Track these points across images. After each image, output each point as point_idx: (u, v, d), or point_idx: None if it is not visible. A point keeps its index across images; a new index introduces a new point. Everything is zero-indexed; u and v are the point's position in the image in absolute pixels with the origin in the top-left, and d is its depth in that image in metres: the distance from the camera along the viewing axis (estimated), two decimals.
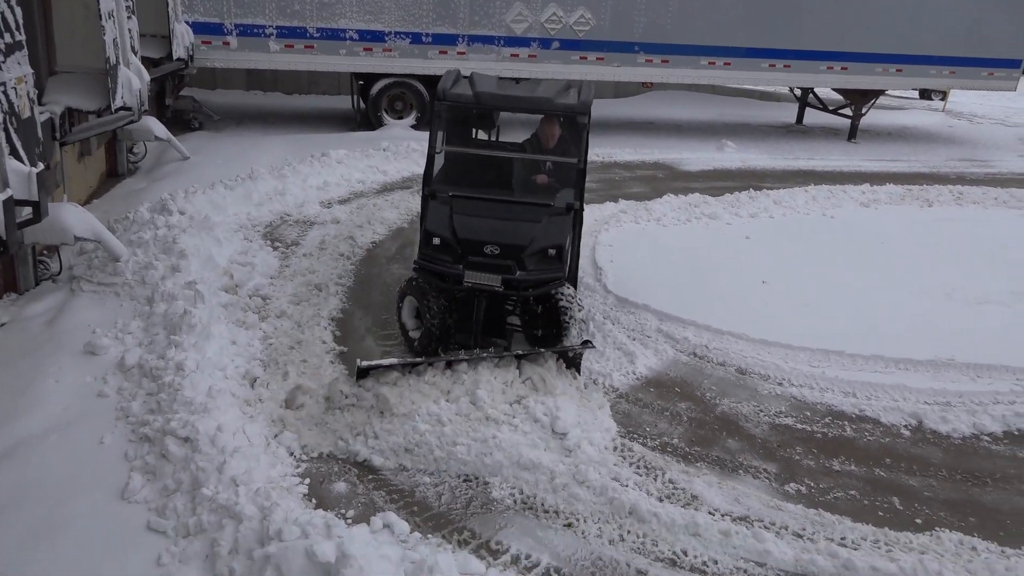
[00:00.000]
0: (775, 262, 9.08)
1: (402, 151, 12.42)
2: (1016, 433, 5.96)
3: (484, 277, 5.86)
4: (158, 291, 6.46)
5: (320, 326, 6.77)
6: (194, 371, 5.31)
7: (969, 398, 6.39)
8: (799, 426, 5.89)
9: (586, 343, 6.11)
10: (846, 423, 5.97)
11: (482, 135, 7.28)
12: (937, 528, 4.80)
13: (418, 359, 5.75)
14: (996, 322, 7.94)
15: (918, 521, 4.89)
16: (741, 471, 5.29)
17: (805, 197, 11.79)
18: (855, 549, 4.55)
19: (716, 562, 4.40)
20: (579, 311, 6.19)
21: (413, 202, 10.56)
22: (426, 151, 6.54)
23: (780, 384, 6.45)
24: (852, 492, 5.14)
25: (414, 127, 14.07)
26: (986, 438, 5.89)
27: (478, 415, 5.27)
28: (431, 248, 6.01)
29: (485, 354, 5.77)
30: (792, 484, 5.18)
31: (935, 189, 13.06)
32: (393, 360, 5.66)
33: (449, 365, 5.70)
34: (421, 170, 11.93)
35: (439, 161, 6.51)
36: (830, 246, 9.95)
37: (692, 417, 5.86)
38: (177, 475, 4.45)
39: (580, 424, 5.31)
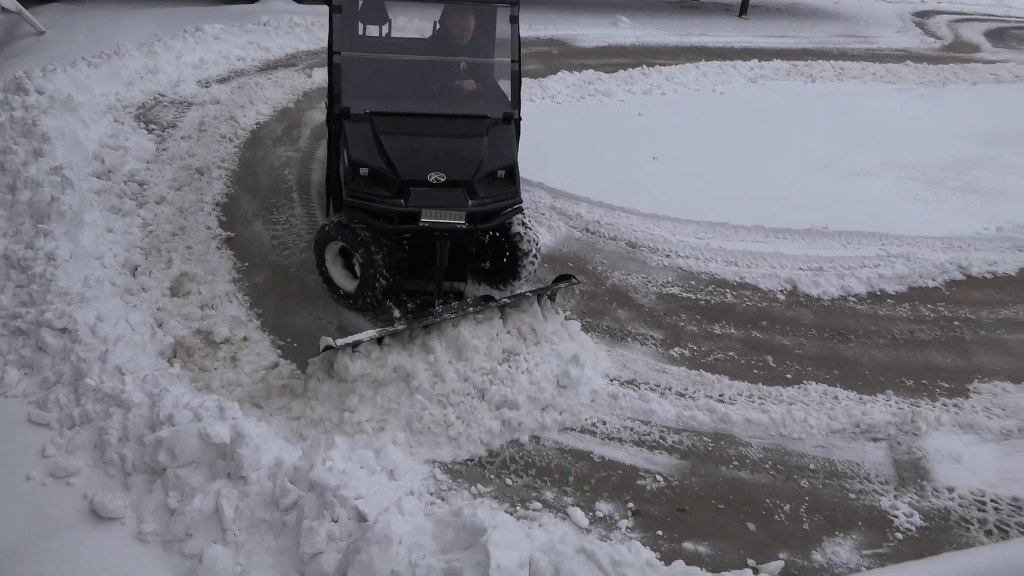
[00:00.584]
0: (666, 138, 9.25)
1: (284, 26, 11.72)
2: (878, 293, 6.44)
3: (442, 214, 4.91)
4: (20, 177, 5.99)
5: (204, 211, 6.49)
6: (67, 260, 5.02)
7: (839, 263, 6.82)
8: (684, 295, 6.17)
9: (568, 277, 5.40)
10: (727, 290, 6.28)
11: (371, 31, 6.49)
12: (805, 381, 5.20)
13: (398, 327, 4.60)
14: (868, 192, 8.43)
15: (788, 376, 5.28)
16: (630, 339, 5.53)
17: (696, 73, 11.93)
18: (731, 404, 4.89)
19: (605, 423, 4.65)
20: (536, 240, 5.52)
21: (298, 80, 10.07)
22: (323, 36, 5.89)
23: (668, 256, 6.69)
24: (731, 353, 5.48)
25: (297, 0, 13.23)
26: (852, 299, 6.33)
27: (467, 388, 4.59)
28: (359, 181, 4.96)
29: (469, 308, 4.83)
30: (676, 348, 5.47)
31: (819, 65, 13.44)
32: (371, 333, 4.49)
33: (427, 328, 4.73)
34: (306, 46, 11.57)
35: (342, 70, 5.31)
36: (718, 121, 10.18)
37: (584, 290, 6.03)
38: (57, 367, 4.27)
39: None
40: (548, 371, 4.74)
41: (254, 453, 3.58)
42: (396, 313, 5.32)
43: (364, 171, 4.92)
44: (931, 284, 6.64)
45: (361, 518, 3.32)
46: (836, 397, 5.05)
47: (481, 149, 5.13)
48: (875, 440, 4.70)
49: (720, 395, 4.99)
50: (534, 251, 5.50)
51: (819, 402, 4.99)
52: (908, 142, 10.03)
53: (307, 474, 3.47)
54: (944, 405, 5.08)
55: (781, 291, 6.33)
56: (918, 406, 4.97)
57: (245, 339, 5.03)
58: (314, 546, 3.24)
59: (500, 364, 4.70)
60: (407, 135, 5.10)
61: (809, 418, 4.77)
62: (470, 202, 4.95)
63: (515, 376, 4.63)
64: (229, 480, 3.55)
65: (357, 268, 5.19)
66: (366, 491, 3.48)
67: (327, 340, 4.30)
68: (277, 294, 5.58)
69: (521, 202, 5.37)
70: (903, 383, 5.29)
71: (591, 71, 11.36)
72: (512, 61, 5.43)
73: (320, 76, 9.90)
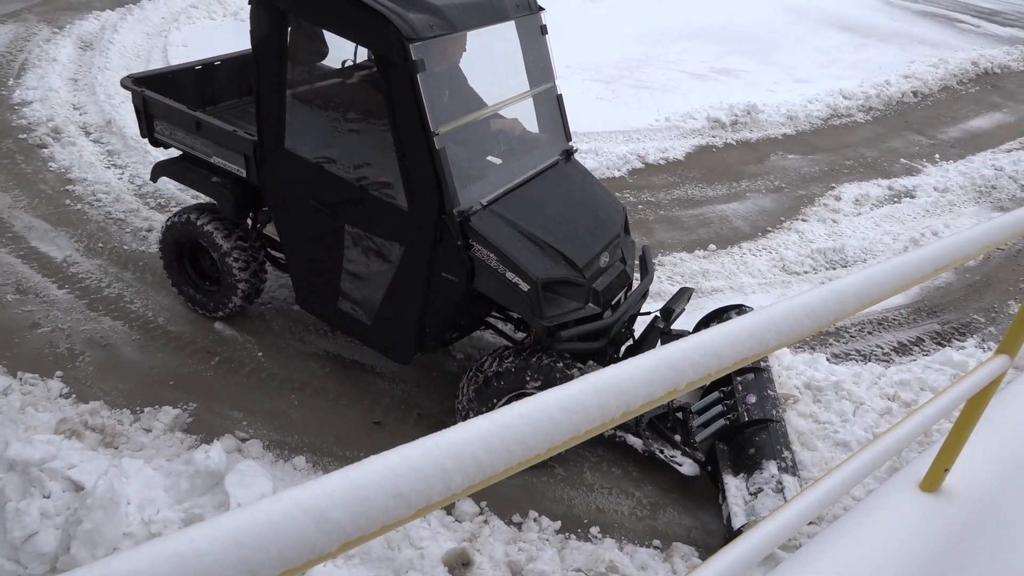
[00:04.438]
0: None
1: None
2: None
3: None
4: None
5: None
6: None
7: None
8: None
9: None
10: None
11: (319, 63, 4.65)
12: None
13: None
14: None
15: None
16: None
17: None
18: None
19: None
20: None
21: None
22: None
23: None
24: None
25: None
26: None
27: None
28: (547, 303, 3.61)
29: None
30: None
31: None
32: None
33: None
34: None
35: (448, 158, 3.53)
36: None
37: None
38: None
39: None
40: None
41: None
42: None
43: (542, 288, 3.59)
44: (617, 174, 7.35)
45: (77, 487, 3.04)
46: None
47: (603, 202, 4.19)
48: None
49: None
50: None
51: None
52: (585, 45, 10.78)
53: (2, 453, 3.08)
54: (636, 280, 5.72)
55: None
56: None
57: None
58: (25, 528, 2.91)
59: None
60: (543, 217, 3.83)
61: None
62: (628, 271, 4.11)
63: None
64: None
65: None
66: (79, 459, 3.18)
67: None
68: None
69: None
70: None
71: None
72: (553, 84, 4.31)
73: None
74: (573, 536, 3.62)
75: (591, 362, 4.06)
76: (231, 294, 4.51)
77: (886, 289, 1.33)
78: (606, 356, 4.04)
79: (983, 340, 5.49)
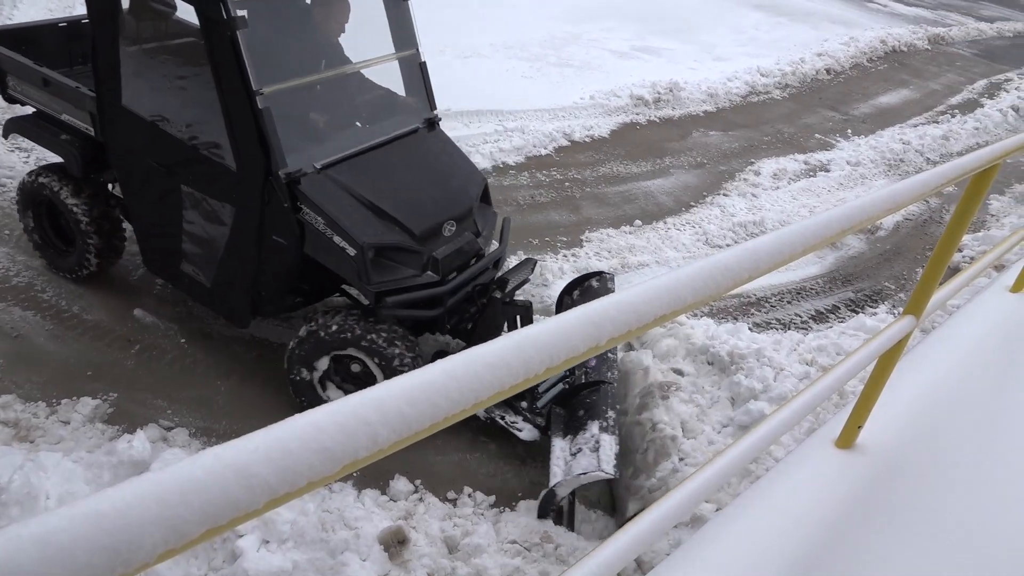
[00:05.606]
0: None
1: None
2: (501, 166, 7.00)
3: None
4: None
5: None
6: None
7: (465, 142, 7.22)
8: None
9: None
10: None
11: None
12: None
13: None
14: (482, 72, 8.96)
15: None
16: None
17: None
18: None
19: None
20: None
21: None
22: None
23: None
24: None
25: None
26: None
27: None
28: (376, 268, 3.59)
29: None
30: None
31: None
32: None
33: None
34: None
35: (274, 118, 3.47)
36: None
37: None
38: None
39: None
40: None
41: None
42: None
43: (371, 253, 3.57)
44: (543, 152, 7.39)
45: None
46: None
47: (450, 171, 4.13)
48: None
49: None
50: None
51: None
52: (509, 24, 10.78)
53: None
54: (564, 256, 5.79)
55: None
56: (544, 260, 5.60)
57: None
58: None
59: None
60: (391, 186, 3.80)
61: None
62: (480, 242, 4.06)
63: None
64: None
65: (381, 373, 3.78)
66: None
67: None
68: None
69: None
70: (531, 242, 5.91)
71: None
72: (416, 51, 4.28)
73: None
74: (507, 510, 3.67)
75: (435, 336, 4.08)
76: (86, 254, 4.50)
77: (796, 249, 1.39)
78: (445, 325, 4.02)
79: (894, 306, 5.75)
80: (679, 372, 4.32)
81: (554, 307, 4.89)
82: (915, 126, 9.71)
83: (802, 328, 5.38)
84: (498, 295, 3.92)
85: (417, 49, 4.27)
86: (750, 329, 5.02)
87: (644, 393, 4.10)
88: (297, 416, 0.71)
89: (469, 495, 3.71)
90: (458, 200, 3.98)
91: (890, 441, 2.79)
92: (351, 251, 3.52)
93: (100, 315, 4.53)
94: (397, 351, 3.66)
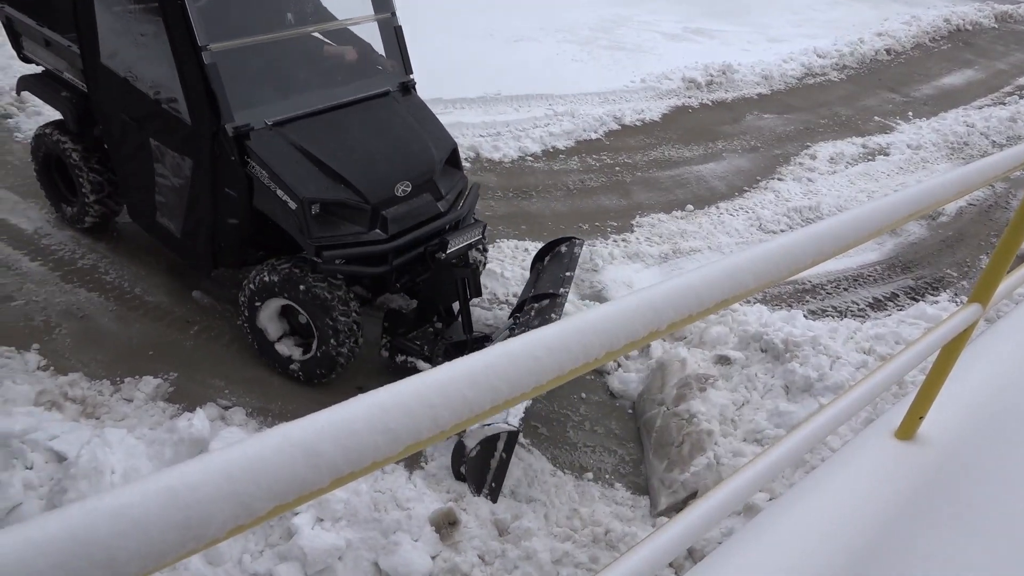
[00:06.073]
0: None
1: None
2: (551, 150, 6.97)
3: (461, 238, 3.96)
4: None
5: None
6: None
7: (514, 126, 7.23)
8: None
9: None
10: None
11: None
12: (498, 240, 5.56)
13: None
14: (531, 56, 8.91)
15: None
16: None
17: None
18: None
19: None
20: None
21: None
22: None
23: None
24: None
25: None
26: (529, 158, 6.79)
27: None
28: (319, 223, 3.72)
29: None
30: None
31: None
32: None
33: None
34: None
35: (220, 73, 3.64)
36: None
37: None
38: None
39: None
40: None
41: None
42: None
43: (315, 208, 3.69)
44: (594, 136, 7.33)
45: (60, 458, 3.03)
46: (526, 249, 5.48)
47: (422, 136, 4.17)
48: None
49: None
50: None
51: (512, 256, 5.37)
52: (558, 6, 10.69)
53: None
54: (615, 241, 5.74)
55: (466, 159, 6.59)
56: (594, 245, 5.57)
57: None
58: (8, 499, 2.90)
59: None
60: (338, 142, 3.88)
61: (505, 272, 5.13)
62: (440, 205, 4.07)
63: None
64: None
65: (317, 337, 3.90)
66: (60, 430, 3.16)
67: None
68: None
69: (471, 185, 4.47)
70: (581, 227, 5.88)
71: None
72: (391, 15, 4.37)
73: None
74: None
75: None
76: (86, 205, 4.80)
77: (861, 234, 1.35)
78: (394, 284, 4.13)
79: (956, 294, 5.58)
80: (726, 360, 4.25)
81: (529, 273, 4.85)
82: (980, 108, 9.36)
83: (859, 316, 5.25)
84: (441, 255, 3.92)
85: (393, 12, 4.38)
86: (805, 316, 4.93)
87: (681, 384, 4.05)
88: (362, 396, 0.71)
89: None
90: (418, 162, 4.04)
91: (953, 433, 2.71)
92: (292, 205, 3.68)
93: (160, 297, 4.65)
94: (329, 306, 3.76)
